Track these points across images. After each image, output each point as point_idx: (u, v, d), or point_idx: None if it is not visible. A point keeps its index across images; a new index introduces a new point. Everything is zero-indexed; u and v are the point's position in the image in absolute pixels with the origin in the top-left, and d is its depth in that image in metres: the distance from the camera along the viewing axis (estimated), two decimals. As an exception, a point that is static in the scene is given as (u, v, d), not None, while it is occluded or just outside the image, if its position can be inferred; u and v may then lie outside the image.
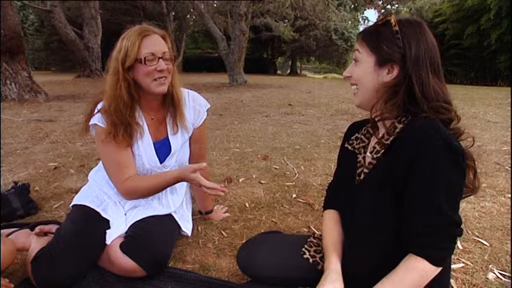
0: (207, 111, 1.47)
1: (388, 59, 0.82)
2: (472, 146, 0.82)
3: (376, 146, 0.88)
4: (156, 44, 1.20)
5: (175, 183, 1.30)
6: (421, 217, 0.75)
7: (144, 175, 1.34)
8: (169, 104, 1.34)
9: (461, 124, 0.84)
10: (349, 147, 1.00)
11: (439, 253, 0.75)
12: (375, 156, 0.87)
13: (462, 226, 0.77)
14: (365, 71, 0.86)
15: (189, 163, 1.51)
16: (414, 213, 0.76)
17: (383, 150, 0.85)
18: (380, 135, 0.88)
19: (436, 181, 0.73)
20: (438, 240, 0.74)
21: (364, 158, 0.93)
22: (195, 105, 1.42)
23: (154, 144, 1.34)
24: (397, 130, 0.82)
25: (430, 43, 0.82)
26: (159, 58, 1.19)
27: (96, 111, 1.26)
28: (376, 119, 0.88)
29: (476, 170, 0.81)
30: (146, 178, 1.29)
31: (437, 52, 0.83)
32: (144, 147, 1.32)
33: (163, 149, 1.36)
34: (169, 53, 1.23)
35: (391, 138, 0.83)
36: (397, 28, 0.81)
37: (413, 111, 0.80)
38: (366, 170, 0.90)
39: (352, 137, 1.01)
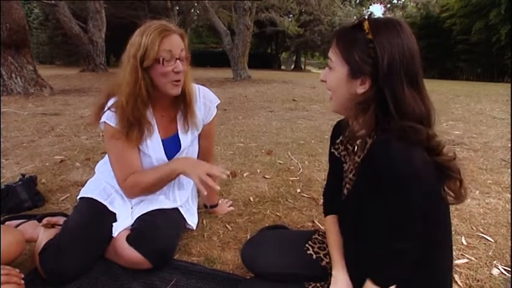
0: (216, 107, 1.46)
1: (360, 71, 0.76)
2: (454, 159, 0.74)
3: (354, 160, 0.85)
4: (175, 44, 1.18)
5: (176, 177, 1.28)
6: (363, 243, 0.76)
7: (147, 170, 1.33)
8: (181, 102, 1.33)
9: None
10: (335, 153, 0.97)
11: (380, 277, 0.75)
12: (353, 175, 0.85)
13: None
14: (338, 80, 0.80)
15: (197, 158, 1.51)
16: (361, 239, 0.76)
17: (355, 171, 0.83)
18: (356, 150, 0.85)
19: (376, 210, 0.71)
20: (378, 267, 0.75)
21: (349, 168, 0.89)
22: (205, 102, 1.41)
23: (163, 141, 1.34)
24: (367, 147, 0.78)
25: (406, 50, 0.73)
26: (177, 59, 1.18)
27: (106, 108, 1.24)
28: (347, 139, 0.85)
29: (462, 180, 0.76)
30: (147, 172, 1.29)
31: (415, 60, 0.75)
32: (153, 145, 1.31)
33: (172, 146, 1.36)
34: (185, 53, 1.22)
35: (361, 156, 0.80)
36: (370, 36, 0.74)
37: (385, 127, 0.73)
38: (348, 186, 0.89)
39: (338, 141, 0.97)
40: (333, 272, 0.93)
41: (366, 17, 0.77)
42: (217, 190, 1.16)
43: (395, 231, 0.71)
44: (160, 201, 1.38)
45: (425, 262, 0.78)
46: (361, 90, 0.77)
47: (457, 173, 0.74)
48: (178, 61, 1.19)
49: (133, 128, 1.22)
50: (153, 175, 1.27)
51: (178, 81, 1.22)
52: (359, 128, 0.79)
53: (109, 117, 1.23)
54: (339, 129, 0.99)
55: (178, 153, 1.37)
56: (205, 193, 1.12)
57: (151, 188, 1.31)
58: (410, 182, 0.66)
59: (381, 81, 0.73)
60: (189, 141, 1.39)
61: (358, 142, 0.82)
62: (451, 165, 0.73)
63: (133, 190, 1.30)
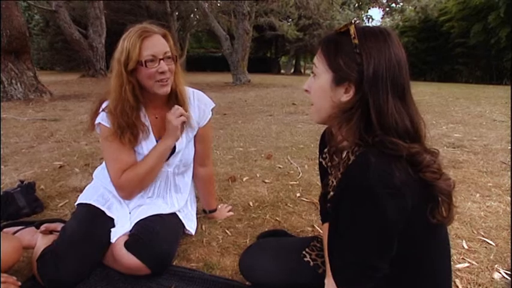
0: (211, 110, 1.47)
1: (345, 77, 0.72)
2: (439, 178, 0.70)
3: (336, 176, 0.83)
4: (156, 44, 1.19)
5: (167, 150, 1.31)
6: (330, 254, 0.77)
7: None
8: (174, 102, 1.34)
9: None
10: (323, 163, 0.95)
11: (342, 284, 0.75)
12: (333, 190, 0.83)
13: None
14: (322, 87, 0.77)
15: (194, 162, 1.52)
16: (338, 252, 0.75)
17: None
18: (339, 165, 0.82)
19: (350, 224, 0.69)
20: (347, 281, 0.75)
21: (332, 183, 0.87)
22: (199, 104, 1.42)
23: (157, 142, 1.34)
24: (350, 163, 0.75)
25: (394, 60, 0.70)
26: (160, 59, 1.19)
27: (101, 109, 1.26)
28: (332, 150, 0.82)
29: (450, 204, 0.72)
30: (140, 163, 1.29)
31: (402, 70, 0.72)
32: (148, 146, 1.32)
33: None
34: (170, 53, 1.23)
35: (343, 171, 0.78)
36: (356, 41, 0.71)
37: (367, 140, 0.70)
38: (331, 199, 0.87)
39: (325, 150, 0.95)
40: (325, 280, 0.92)
41: (353, 22, 0.74)
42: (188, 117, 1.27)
43: (368, 247, 0.69)
44: (159, 205, 1.37)
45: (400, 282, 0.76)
46: (345, 98, 0.74)
47: (445, 194, 0.71)
48: (162, 61, 1.19)
49: (125, 132, 1.23)
50: (147, 162, 1.28)
51: (165, 79, 1.22)
52: (342, 138, 0.76)
53: (103, 118, 1.25)
54: (325, 138, 0.97)
55: (173, 155, 1.37)
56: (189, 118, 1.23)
57: (148, 176, 1.31)
58: (387, 199, 0.64)
59: (365, 89, 0.70)
60: (183, 143, 1.39)
61: (342, 156, 0.79)
62: (438, 184, 0.69)
63: (130, 184, 1.29)
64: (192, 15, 20.83)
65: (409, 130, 0.70)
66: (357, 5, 24.19)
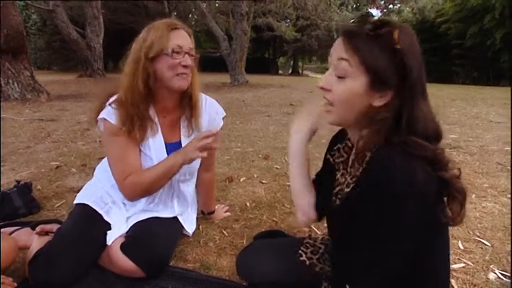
0: (223, 119, 1.43)
1: (385, 83, 0.68)
2: (459, 175, 0.71)
3: (351, 173, 0.82)
4: (184, 38, 1.19)
5: (178, 170, 1.22)
6: (351, 254, 0.75)
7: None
8: (187, 104, 1.30)
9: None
10: (330, 159, 0.95)
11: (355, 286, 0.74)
12: (350, 186, 0.81)
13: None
14: (352, 91, 0.71)
15: (199, 168, 1.48)
16: (350, 250, 0.74)
17: (353, 184, 0.78)
18: (353, 161, 0.80)
19: (369, 224, 0.68)
20: (355, 277, 0.73)
21: (342, 175, 0.86)
22: (211, 112, 1.39)
23: (166, 145, 1.30)
24: (366, 159, 0.73)
25: (421, 60, 0.69)
26: (186, 53, 1.18)
27: (107, 104, 1.21)
28: (356, 152, 0.79)
29: (463, 203, 0.70)
30: (147, 171, 1.23)
31: (424, 68, 0.70)
32: (156, 147, 1.27)
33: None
34: (194, 51, 1.22)
35: (360, 169, 0.75)
36: (399, 46, 0.67)
37: (391, 141, 0.68)
38: (342, 194, 0.85)
39: (335, 147, 0.95)
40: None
41: (390, 23, 0.70)
42: (216, 147, 1.21)
43: (386, 247, 0.68)
44: (158, 211, 1.36)
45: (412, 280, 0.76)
46: (378, 102, 0.70)
47: (460, 194, 0.70)
48: (187, 55, 1.18)
49: (134, 123, 1.19)
50: (153, 172, 1.20)
51: (185, 74, 1.20)
52: (367, 141, 0.73)
53: (109, 114, 1.19)
54: (338, 138, 0.95)
55: None
56: (205, 153, 1.15)
57: (153, 187, 1.24)
58: (409, 200, 0.63)
59: (404, 94, 0.68)
60: None
61: (353, 153, 0.78)
62: (455, 182, 0.69)
63: (133, 190, 1.22)
64: (190, 16, 20.83)
65: (436, 131, 0.71)
66: (354, 6, 24.25)
